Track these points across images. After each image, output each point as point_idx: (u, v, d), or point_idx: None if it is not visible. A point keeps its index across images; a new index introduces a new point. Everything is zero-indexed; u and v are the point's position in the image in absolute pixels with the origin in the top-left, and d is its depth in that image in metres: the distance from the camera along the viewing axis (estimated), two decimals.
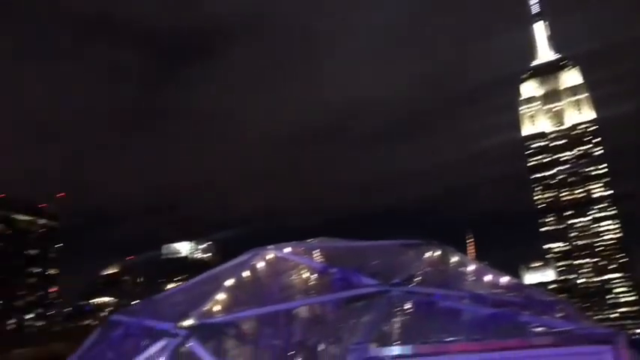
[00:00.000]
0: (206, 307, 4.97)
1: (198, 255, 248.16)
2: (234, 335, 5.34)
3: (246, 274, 5.71)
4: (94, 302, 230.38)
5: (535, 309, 12.79)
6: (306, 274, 5.95)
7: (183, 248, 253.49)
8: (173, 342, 4.34)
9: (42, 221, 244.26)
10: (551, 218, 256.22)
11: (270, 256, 6.75)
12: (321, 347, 4.81)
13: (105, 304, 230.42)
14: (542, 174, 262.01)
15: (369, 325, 4.86)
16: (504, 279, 14.73)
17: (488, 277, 11.45)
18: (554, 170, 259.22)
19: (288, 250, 7.07)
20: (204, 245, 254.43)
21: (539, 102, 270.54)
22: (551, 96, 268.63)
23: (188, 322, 4.58)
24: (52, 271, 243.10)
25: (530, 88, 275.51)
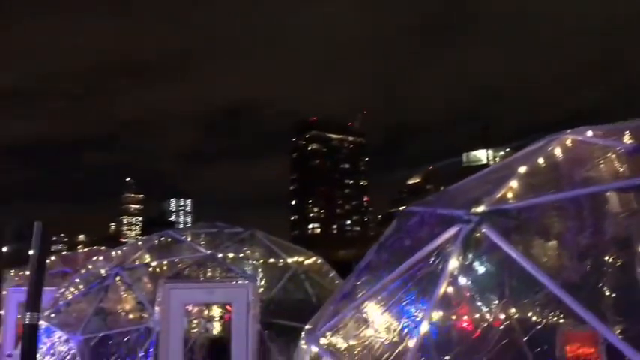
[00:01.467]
0: (499, 195, 4.69)
1: (498, 162, 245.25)
2: (530, 223, 4.96)
3: (541, 160, 5.17)
4: (402, 209, 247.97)
5: None
6: (612, 157, 5.07)
7: (483, 156, 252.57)
8: (465, 228, 4.26)
9: (350, 138, 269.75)
10: None
11: (568, 140, 5.96)
12: (633, 237, 4.14)
13: None
14: None
15: None
16: None
17: None
18: None
19: (589, 133, 6.08)
20: (503, 152, 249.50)
21: None
22: None
23: (480, 209, 4.42)
24: (363, 183, 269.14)
25: None
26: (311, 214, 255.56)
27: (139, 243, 12.02)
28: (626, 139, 5.22)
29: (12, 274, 17.39)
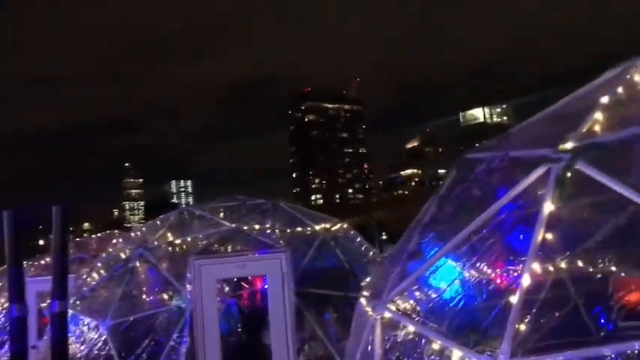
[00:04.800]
0: (584, 129, 4.21)
1: (495, 119, 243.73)
2: (629, 155, 4.41)
3: (621, 90, 4.70)
4: (403, 174, 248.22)
5: None
6: None
7: (480, 114, 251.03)
8: (556, 167, 3.84)
9: (347, 106, 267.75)
10: None
11: None
12: None
13: (413, 175, 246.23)
14: None
15: None
16: None
17: None
18: None
19: None
20: (500, 109, 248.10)
21: None
22: None
23: (569, 145, 3.92)
24: (362, 150, 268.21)
25: None
26: (313, 185, 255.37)
27: (158, 222, 11.50)
28: None
29: (26, 265, 16.95)
